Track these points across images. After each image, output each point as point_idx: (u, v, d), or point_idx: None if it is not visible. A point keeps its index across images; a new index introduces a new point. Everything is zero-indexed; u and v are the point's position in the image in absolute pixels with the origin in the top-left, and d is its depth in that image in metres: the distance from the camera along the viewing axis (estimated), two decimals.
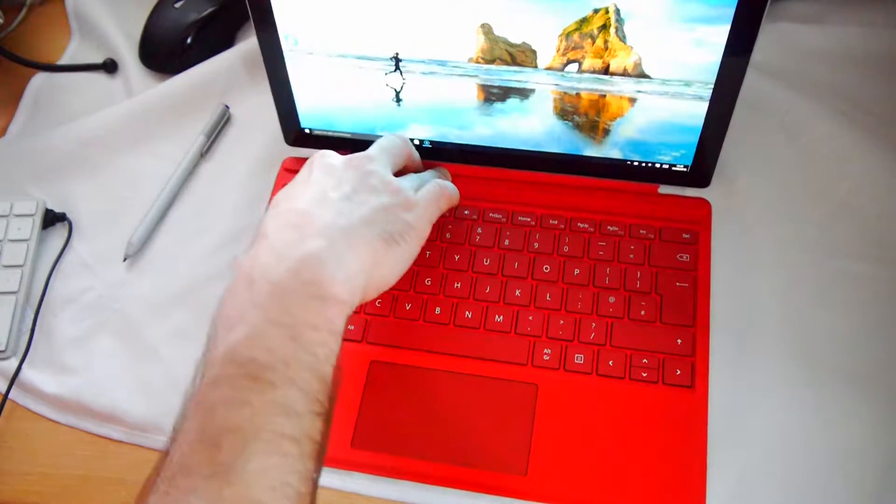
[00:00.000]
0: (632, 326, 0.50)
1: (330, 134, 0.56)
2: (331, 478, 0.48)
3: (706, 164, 0.52)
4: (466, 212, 0.55)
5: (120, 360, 0.53)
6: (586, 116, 0.51)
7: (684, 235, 0.53)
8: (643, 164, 0.53)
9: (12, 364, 0.53)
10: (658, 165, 0.53)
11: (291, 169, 0.59)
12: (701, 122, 0.50)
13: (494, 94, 0.51)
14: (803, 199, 0.54)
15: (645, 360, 0.49)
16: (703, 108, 0.49)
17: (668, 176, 0.53)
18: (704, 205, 0.54)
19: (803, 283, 0.51)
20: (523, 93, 0.51)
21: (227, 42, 0.66)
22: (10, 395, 0.53)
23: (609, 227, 0.53)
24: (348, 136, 0.56)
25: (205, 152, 0.61)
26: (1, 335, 0.53)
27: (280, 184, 0.58)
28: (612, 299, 0.51)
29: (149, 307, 0.55)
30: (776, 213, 0.54)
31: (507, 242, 0.54)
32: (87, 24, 0.69)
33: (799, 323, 0.50)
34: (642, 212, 0.54)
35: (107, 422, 0.51)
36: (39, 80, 0.68)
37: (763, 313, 0.51)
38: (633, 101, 0.49)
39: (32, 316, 0.55)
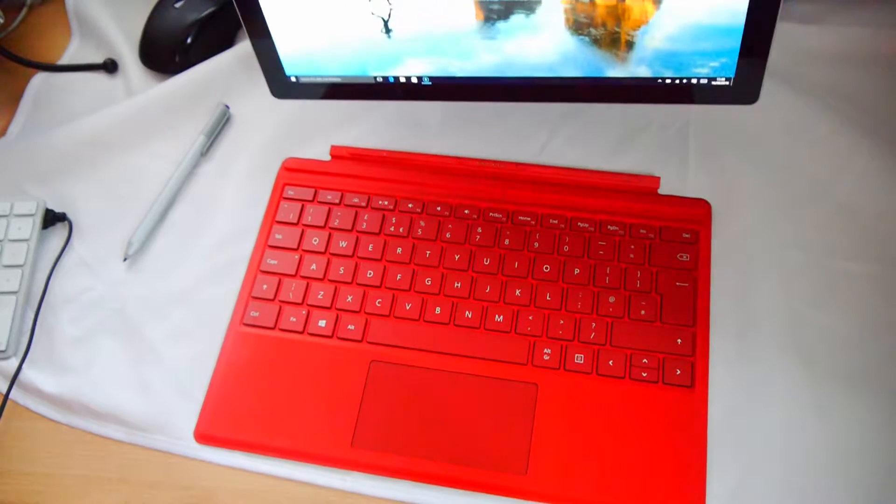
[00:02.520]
0: (632, 326, 0.50)
1: (318, 80, 0.52)
2: (331, 478, 0.48)
3: (752, 73, 0.45)
4: (466, 211, 0.55)
5: (120, 359, 0.53)
6: (605, 28, 0.44)
7: (684, 235, 0.53)
8: (678, 82, 0.46)
9: (12, 364, 0.53)
10: (695, 81, 0.46)
11: (291, 168, 0.59)
12: (742, 20, 0.42)
13: (495, 12, 0.45)
14: (803, 200, 0.54)
15: (645, 360, 0.49)
16: (743, 2, 0.41)
17: (708, 93, 0.47)
18: (704, 205, 0.54)
19: (803, 283, 0.51)
20: (528, 6, 0.44)
21: (227, 42, 0.66)
22: (11, 395, 0.53)
23: (609, 227, 0.53)
24: (338, 80, 0.51)
25: (205, 152, 0.61)
26: (1, 335, 0.53)
27: (279, 184, 0.58)
28: (612, 299, 0.51)
29: (149, 307, 0.55)
30: (776, 213, 0.54)
31: (507, 242, 0.54)
32: (87, 24, 0.69)
33: (799, 323, 0.50)
34: (642, 212, 0.54)
35: (107, 422, 0.51)
36: (39, 80, 0.67)
37: (763, 313, 0.51)
38: (657, 2, 0.43)
39: (32, 316, 0.55)
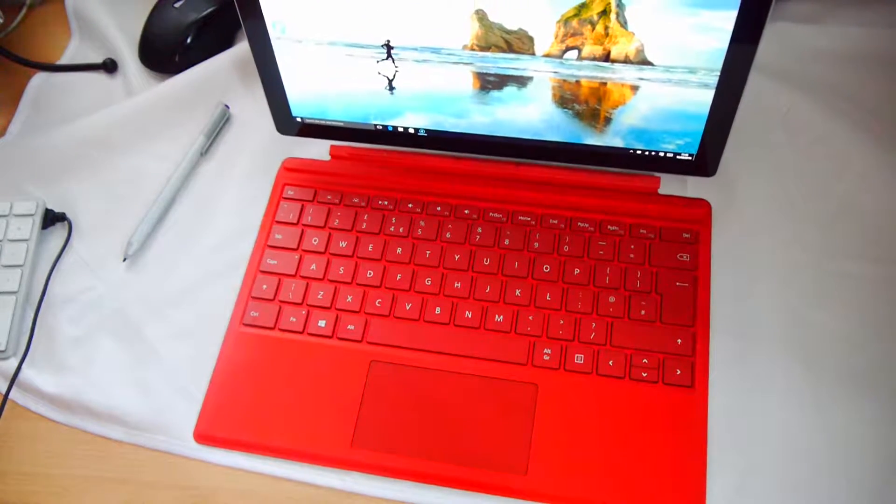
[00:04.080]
0: (632, 326, 0.50)
1: (322, 122, 0.55)
2: (331, 478, 0.48)
3: (711, 152, 0.50)
4: (466, 211, 0.55)
5: (120, 359, 0.53)
6: (587, 105, 0.49)
7: (684, 235, 0.53)
8: (646, 153, 0.51)
9: (12, 364, 0.53)
10: (661, 154, 0.51)
11: (291, 168, 0.59)
12: (706, 110, 0.48)
13: (491, 82, 0.50)
14: (803, 199, 0.54)
15: (645, 360, 0.49)
16: (708, 95, 0.47)
17: (671, 165, 0.52)
18: (704, 205, 0.54)
19: (803, 283, 0.51)
20: (521, 81, 0.49)
21: (227, 42, 0.66)
22: (10, 395, 0.53)
23: (609, 227, 0.53)
24: (341, 124, 0.55)
25: (205, 152, 0.61)
26: (1, 335, 0.53)
27: (279, 184, 0.58)
28: (612, 299, 0.51)
29: (149, 307, 0.55)
30: (776, 212, 0.54)
31: (507, 242, 0.54)
32: (87, 24, 0.69)
33: (799, 323, 0.50)
34: (642, 212, 0.54)
35: (107, 422, 0.51)
36: (39, 80, 0.68)
37: (763, 313, 0.51)
38: (635, 88, 0.48)
39: (32, 316, 0.55)
